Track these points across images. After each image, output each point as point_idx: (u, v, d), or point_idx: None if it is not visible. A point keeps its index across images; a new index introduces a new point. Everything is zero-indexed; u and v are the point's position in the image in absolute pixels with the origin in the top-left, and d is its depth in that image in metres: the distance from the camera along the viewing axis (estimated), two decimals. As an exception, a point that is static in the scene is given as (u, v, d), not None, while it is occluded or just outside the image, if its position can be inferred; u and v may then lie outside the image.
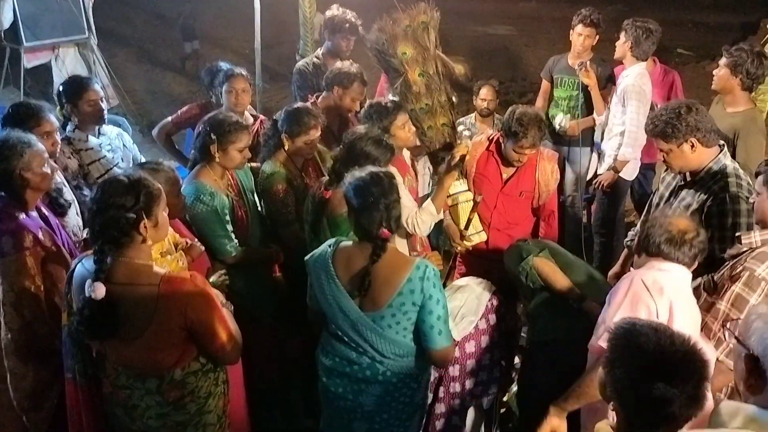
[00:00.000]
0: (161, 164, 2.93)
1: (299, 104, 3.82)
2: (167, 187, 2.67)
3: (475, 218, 3.72)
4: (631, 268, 2.87)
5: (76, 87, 3.76)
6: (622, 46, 4.59)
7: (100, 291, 2.19)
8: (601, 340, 2.42)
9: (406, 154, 3.93)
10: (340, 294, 2.53)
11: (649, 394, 1.61)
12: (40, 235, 2.81)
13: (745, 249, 2.65)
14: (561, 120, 4.95)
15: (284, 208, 3.49)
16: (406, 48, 3.56)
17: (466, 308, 3.20)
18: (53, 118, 3.34)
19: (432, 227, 3.52)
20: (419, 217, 3.39)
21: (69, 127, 3.75)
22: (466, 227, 3.69)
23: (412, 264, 2.51)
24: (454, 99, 3.78)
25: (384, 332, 2.53)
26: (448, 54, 3.77)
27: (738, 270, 2.61)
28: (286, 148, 3.53)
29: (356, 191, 2.53)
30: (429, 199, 3.52)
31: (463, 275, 3.84)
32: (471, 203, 3.70)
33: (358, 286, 2.50)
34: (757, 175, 2.72)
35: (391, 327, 2.52)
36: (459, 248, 3.78)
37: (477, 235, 3.74)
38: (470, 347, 3.21)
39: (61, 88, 3.81)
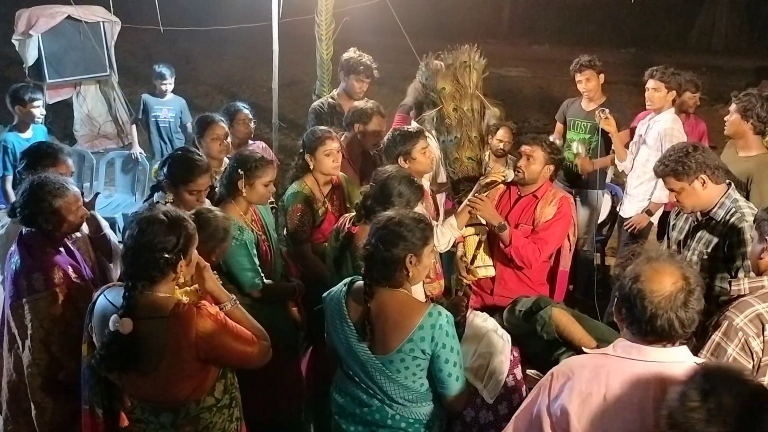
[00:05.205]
0: (214, 211, 2.96)
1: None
2: (220, 235, 2.83)
3: (482, 252, 3.74)
4: None
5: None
6: (665, 96, 4.59)
7: (128, 326, 2.22)
8: None
9: (426, 183, 3.99)
10: (351, 335, 2.51)
11: None
12: (70, 272, 2.84)
13: (734, 296, 2.54)
14: (577, 147, 4.93)
15: (299, 227, 3.60)
16: (445, 84, 3.91)
17: (492, 367, 2.91)
18: (70, 162, 3.41)
19: (450, 244, 3.59)
20: (439, 230, 3.46)
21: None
22: (472, 261, 3.71)
23: (425, 311, 2.45)
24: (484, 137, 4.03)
25: (394, 376, 2.48)
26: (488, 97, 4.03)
27: (720, 318, 2.49)
28: (311, 166, 3.69)
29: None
30: (452, 215, 3.61)
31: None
32: (478, 237, 3.74)
33: (362, 329, 2.47)
34: (755, 221, 2.66)
35: (400, 372, 2.48)
36: (465, 280, 3.79)
37: (484, 269, 3.74)
38: (503, 409, 2.92)
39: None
